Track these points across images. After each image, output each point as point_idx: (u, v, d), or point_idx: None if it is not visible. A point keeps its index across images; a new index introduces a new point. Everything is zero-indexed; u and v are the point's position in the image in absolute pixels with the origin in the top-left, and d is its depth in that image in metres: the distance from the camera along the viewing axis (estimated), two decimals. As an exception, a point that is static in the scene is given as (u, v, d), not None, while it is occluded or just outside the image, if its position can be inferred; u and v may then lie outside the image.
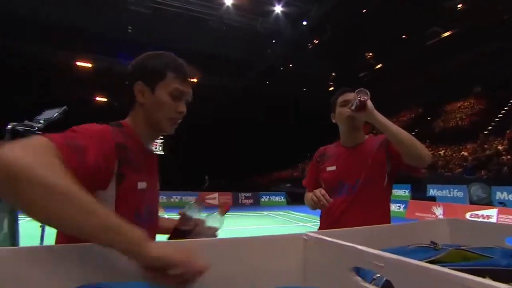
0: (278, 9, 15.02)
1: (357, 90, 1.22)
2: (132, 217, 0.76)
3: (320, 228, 1.47)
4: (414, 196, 11.06)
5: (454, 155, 13.67)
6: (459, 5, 15.46)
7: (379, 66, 21.95)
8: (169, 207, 11.34)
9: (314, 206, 1.29)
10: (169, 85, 0.84)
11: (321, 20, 15.91)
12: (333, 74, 24.81)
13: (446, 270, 0.43)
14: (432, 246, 0.74)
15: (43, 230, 2.09)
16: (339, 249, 0.60)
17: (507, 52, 14.94)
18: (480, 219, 8.90)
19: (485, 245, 0.76)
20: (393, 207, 11.00)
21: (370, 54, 22.34)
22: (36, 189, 0.45)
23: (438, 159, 13.64)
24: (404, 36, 18.79)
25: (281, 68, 22.20)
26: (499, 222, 7.82)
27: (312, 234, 0.68)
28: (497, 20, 14.76)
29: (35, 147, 0.52)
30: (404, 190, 11.65)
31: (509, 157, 10.62)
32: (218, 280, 0.61)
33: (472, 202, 10.00)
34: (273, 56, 19.64)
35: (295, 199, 14.75)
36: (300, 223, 8.63)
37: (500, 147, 11.44)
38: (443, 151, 14.47)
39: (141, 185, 0.79)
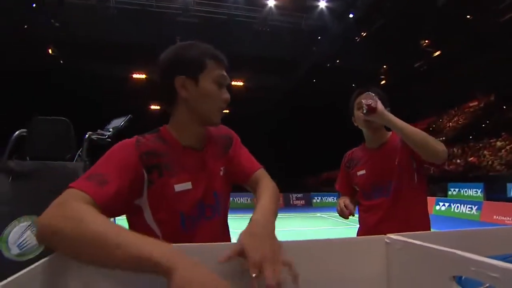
0: (322, 4, 14.59)
1: (364, 94, 1.29)
2: (178, 220, 0.77)
3: (359, 231, 1.50)
4: (489, 197, 9.76)
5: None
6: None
7: (437, 53, 19.94)
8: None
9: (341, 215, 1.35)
10: (212, 73, 0.81)
11: (369, 11, 15.01)
12: (385, 67, 23.23)
13: None
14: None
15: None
16: (434, 255, 0.52)
17: None
18: None
19: None
20: (463, 208, 9.86)
21: (426, 41, 20.42)
22: (66, 244, 0.52)
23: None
24: (468, 16, 16.77)
25: (328, 65, 21.50)
26: None
27: (395, 237, 0.61)
28: None
29: (62, 204, 0.58)
30: (475, 190, 10.36)
31: None
32: (291, 286, 0.57)
33: None
34: (319, 53, 19.13)
35: (348, 200, 14.12)
36: (356, 224, 8.21)
37: None
38: (524, 144, 12.56)
39: (181, 186, 0.78)
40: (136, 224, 0.78)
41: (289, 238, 0.62)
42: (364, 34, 18.29)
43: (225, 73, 0.84)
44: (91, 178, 0.65)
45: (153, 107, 24.67)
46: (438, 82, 19.62)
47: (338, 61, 21.44)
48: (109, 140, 2.20)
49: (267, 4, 13.48)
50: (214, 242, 0.59)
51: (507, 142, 12.88)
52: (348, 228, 7.67)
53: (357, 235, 1.46)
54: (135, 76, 20.51)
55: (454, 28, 16.91)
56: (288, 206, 12.85)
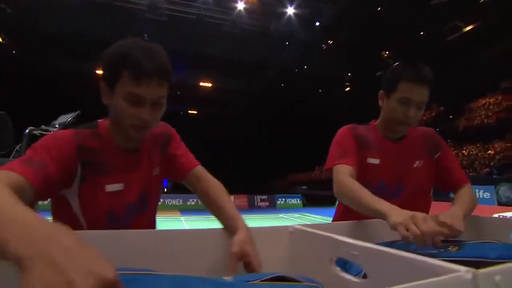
0: (290, 10, 15.00)
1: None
2: (105, 219, 0.78)
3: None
4: (435, 197, 10.55)
5: (480, 154, 13.07)
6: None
7: (396, 64, 21.36)
8: (184, 210, 11.51)
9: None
10: (123, 87, 0.70)
11: (335, 20, 15.75)
12: (349, 74, 24.44)
13: (415, 256, 0.42)
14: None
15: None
16: (320, 239, 0.59)
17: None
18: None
19: (491, 239, 0.73)
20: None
21: (387, 52, 21.86)
22: None
23: (462, 159, 13.09)
24: (422, 33, 18.23)
25: (296, 70, 22.12)
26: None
27: (297, 227, 0.69)
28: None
29: None
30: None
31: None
32: (209, 267, 0.64)
33: (500, 204, 9.51)
34: (287, 58, 19.61)
35: (311, 202, 14.60)
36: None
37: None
38: (467, 150, 13.88)
39: (112, 187, 0.78)
40: (63, 215, 0.78)
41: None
42: (331, 42, 19.14)
43: (139, 91, 0.69)
44: (25, 162, 0.64)
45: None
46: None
47: (305, 66, 22.14)
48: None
49: (236, 7, 13.54)
50: None
51: (452, 149, 14.15)
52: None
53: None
54: (99, 72, 19.49)
55: (409, 43, 18.28)
56: (252, 208, 12.96)
